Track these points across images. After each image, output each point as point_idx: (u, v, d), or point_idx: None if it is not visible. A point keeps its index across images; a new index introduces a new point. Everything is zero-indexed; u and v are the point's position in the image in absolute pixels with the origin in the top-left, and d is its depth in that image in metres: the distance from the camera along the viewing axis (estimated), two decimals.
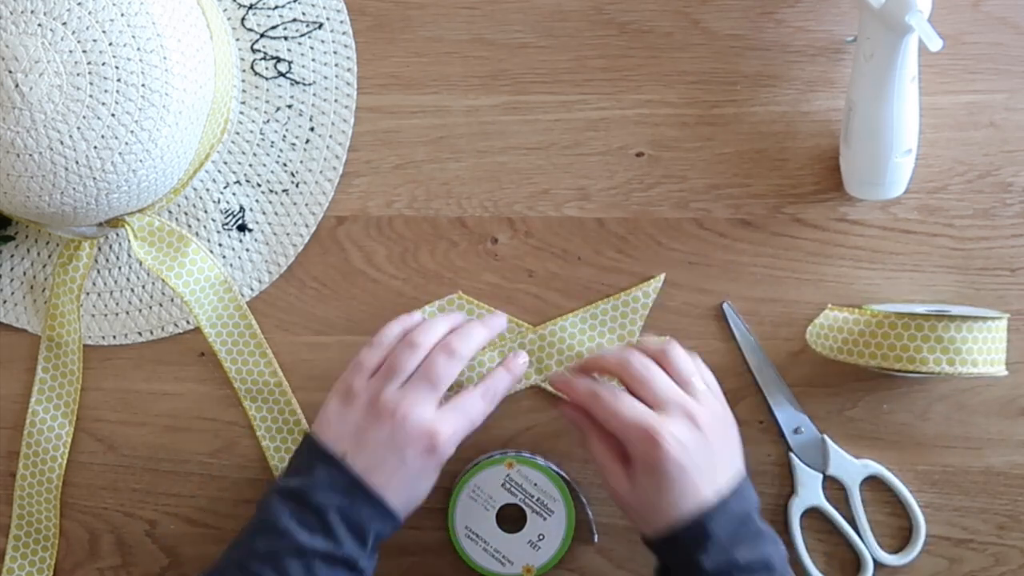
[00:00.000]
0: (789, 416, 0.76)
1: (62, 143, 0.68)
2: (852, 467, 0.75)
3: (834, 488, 0.76)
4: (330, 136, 0.79)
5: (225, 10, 0.79)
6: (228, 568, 0.66)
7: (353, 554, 0.65)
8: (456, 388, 0.70)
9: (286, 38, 0.79)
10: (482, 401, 0.70)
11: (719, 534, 0.63)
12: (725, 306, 0.76)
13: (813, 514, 0.76)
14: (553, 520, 0.75)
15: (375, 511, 0.66)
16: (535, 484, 0.75)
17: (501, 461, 0.75)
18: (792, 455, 0.76)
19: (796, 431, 0.76)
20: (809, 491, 0.75)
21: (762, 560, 0.64)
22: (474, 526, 0.76)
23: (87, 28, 0.67)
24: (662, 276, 0.77)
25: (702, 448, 0.65)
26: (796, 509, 0.75)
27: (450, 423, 0.67)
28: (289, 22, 0.79)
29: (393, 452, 0.66)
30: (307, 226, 0.79)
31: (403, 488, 0.67)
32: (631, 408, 0.65)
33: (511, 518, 0.76)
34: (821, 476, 0.75)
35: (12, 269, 0.81)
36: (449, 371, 0.68)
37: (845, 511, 0.76)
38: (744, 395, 0.77)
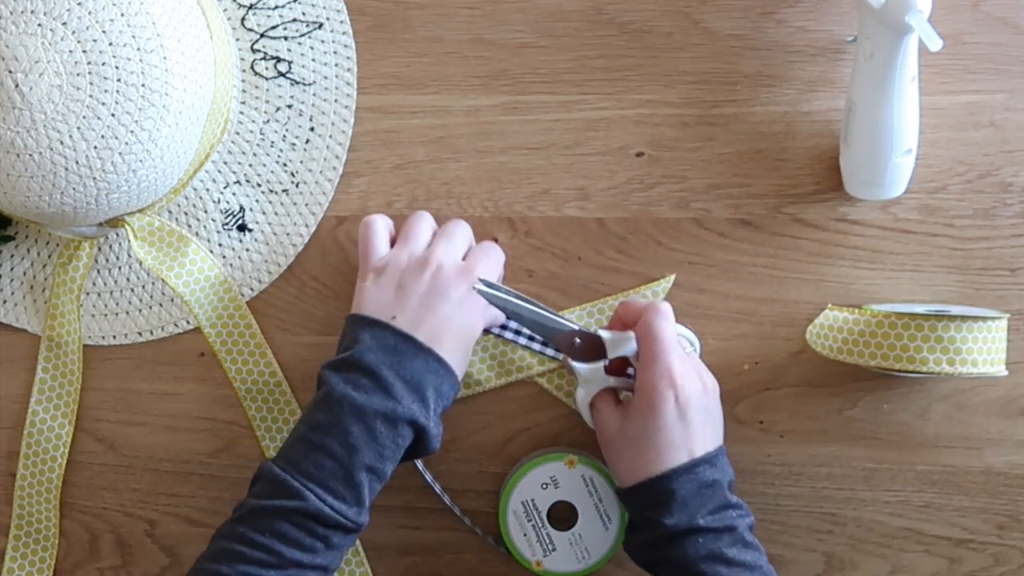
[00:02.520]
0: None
1: (62, 143, 0.68)
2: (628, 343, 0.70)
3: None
4: (330, 136, 0.79)
5: (225, 10, 0.79)
6: (295, 444, 0.66)
7: (413, 413, 0.65)
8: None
9: (286, 38, 0.79)
10: (497, 249, 0.75)
11: (684, 495, 0.64)
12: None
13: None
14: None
15: (428, 364, 0.66)
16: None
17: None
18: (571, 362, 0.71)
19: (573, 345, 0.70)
20: (595, 381, 0.71)
21: (725, 525, 0.65)
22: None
23: (87, 28, 0.67)
24: (672, 277, 0.77)
25: (700, 410, 0.66)
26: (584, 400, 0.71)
27: (481, 262, 0.72)
28: (289, 22, 0.79)
29: (437, 295, 0.69)
30: (307, 226, 0.79)
31: (454, 332, 0.68)
32: (670, 338, 0.67)
33: (560, 514, 0.76)
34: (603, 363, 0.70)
35: (12, 269, 0.81)
36: (461, 230, 0.73)
37: None
38: (744, 395, 0.77)
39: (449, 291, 0.69)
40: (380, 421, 0.64)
